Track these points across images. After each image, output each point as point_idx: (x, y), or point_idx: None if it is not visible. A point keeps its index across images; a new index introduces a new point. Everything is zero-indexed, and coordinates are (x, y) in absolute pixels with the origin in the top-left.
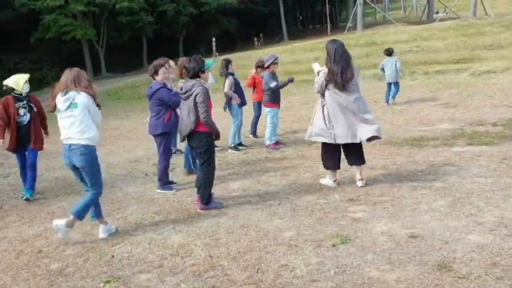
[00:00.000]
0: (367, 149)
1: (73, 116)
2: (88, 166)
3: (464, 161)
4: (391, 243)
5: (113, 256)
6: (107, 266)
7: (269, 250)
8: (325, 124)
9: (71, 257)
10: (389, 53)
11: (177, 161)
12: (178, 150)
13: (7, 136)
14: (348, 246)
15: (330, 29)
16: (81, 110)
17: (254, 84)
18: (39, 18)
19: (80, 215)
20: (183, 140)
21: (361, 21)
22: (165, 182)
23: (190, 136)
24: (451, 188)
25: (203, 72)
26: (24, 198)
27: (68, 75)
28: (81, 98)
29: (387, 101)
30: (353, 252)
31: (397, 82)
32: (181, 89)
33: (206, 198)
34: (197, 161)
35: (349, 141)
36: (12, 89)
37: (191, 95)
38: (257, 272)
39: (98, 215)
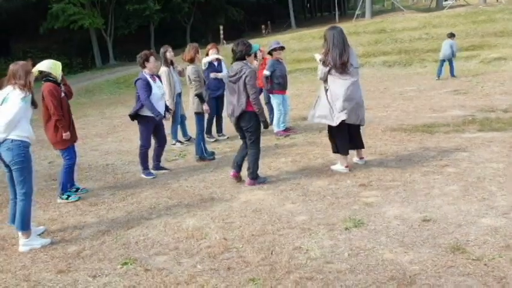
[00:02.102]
0: (378, 136)
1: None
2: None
3: (475, 146)
4: (404, 227)
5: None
6: (123, 249)
7: (282, 233)
8: (329, 107)
9: (87, 240)
10: (450, 35)
11: (189, 148)
12: (190, 138)
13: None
14: (361, 229)
15: (338, 16)
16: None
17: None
18: (47, 7)
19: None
20: (236, 121)
21: (370, 9)
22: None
23: (240, 116)
24: (463, 173)
25: (249, 55)
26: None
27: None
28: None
29: (438, 76)
30: (366, 235)
31: (450, 59)
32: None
33: (255, 174)
34: (208, 148)
35: (349, 121)
36: (48, 75)
37: (240, 77)
38: (271, 253)
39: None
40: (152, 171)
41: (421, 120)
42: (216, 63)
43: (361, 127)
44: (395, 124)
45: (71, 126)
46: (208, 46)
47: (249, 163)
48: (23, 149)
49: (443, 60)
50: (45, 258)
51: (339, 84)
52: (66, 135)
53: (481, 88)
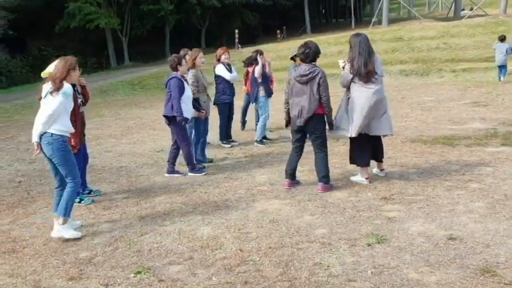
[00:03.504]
0: (397, 147)
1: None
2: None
3: (499, 161)
4: (429, 245)
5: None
6: (136, 256)
7: (301, 247)
8: (347, 117)
9: (99, 246)
10: (502, 38)
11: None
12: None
13: None
14: (384, 246)
15: (354, 23)
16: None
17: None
18: (64, 6)
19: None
20: (304, 123)
21: (387, 16)
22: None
23: (310, 118)
24: (488, 189)
25: (318, 57)
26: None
27: None
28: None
29: (499, 79)
30: (390, 252)
31: (505, 65)
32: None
33: (329, 178)
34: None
35: (369, 132)
36: None
37: (314, 78)
38: (290, 268)
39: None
40: (166, 174)
41: (441, 132)
42: (228, 67)
43: (382, 138)
44: (414, 135)
45: (79, 134)
46: (220, 50)
47: (320, 168)
48: (61, 143)
49: (500, 66)
50: (56, 263)
51: (362, 93)
52: (73, 142)
53: (502, 100)
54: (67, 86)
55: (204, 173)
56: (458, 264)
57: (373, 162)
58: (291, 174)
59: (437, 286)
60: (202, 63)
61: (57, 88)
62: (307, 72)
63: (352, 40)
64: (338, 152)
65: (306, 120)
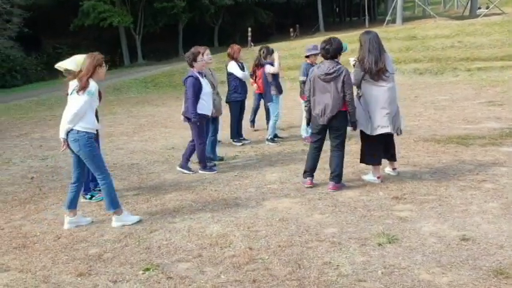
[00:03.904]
0: (410, 146)
1: None
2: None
3: None
4: (441, 245)
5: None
6: (145, 253)
7: (311, 246)
8: (363, 114)
9: (109, 242)
10: None
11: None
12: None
13: None
14: (395, 246)
15: (368, 21)
16: None
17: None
18: (78, 4)
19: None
20: (328, 121)
21: (401, 15)
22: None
23: (335, 116)
24: (502, 190)
25: (340, 54)
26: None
27: None
28: None
29: None
30: (401, 252)
31: None
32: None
33: (341, 177)
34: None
35: (384, 131)
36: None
37: (338, 75)
38: (299, 267)
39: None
40: (178, 168)
41: (455, 131)
42: (240, 64)
43: (394, 136)
44: (427, 134)
45: None
46: (235, 48)
47: (335, 167)
48: (87, 140)
49: None
50: (66, 259)
51: (374, 91)
52: None
53: None
54: (92, 85)
55: (214, 172)
56: (470, 265)
57: (385, 162)
58: (312, 172)
59: (449, 287)
60: (210, 59)
61: (83, 87)
62: (332, 70)
63: (362, 38)
64: (350, 150)
65: (330, 118)
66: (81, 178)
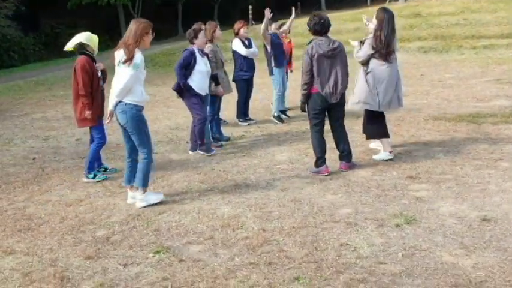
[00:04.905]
0: (420, 124)
1: None
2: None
3: None
4: (462, 226)
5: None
6: (155, 236)
7: (326, 227)
8: (371, 91)
9: (116, 224)
10: None
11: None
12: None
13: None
14: (414, 227)
15: None
16: None
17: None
18: None
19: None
20: (339, 99)
21: None
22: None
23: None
24: None
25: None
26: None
27: None
28: None
29: None
30: (420, 233)
31: None
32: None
33: (351, 156)
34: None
35: (392, 108)
36: (83, 48)
37: (341, 49)
38: (316, 249)
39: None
40: (190, 151)
41: (464, 110)
42: (246, 41)
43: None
44: (437, 113)
45: (97, 106)
46: (238, 24)
47: (343, 144)
48: (136, 112)
49: None
50: (73, 241)
51: (382, 69)
52: (87, 113)
53: None
54: (138, 57)
55: (212, 153)
56: (495, 247)
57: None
58: (324, 157)
59: (474, 270)
60: (220, 34)
61: (130, 58)
62: (336, 45)
63: (380, 14)
64: (359, 129)
65: (342, 95)
66: (133, 153)
